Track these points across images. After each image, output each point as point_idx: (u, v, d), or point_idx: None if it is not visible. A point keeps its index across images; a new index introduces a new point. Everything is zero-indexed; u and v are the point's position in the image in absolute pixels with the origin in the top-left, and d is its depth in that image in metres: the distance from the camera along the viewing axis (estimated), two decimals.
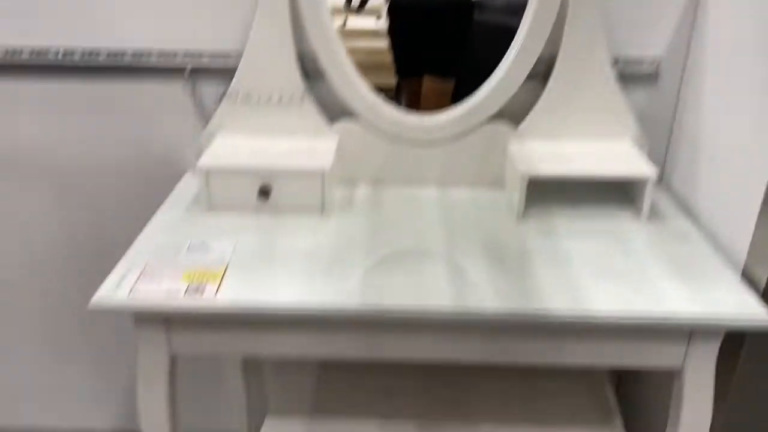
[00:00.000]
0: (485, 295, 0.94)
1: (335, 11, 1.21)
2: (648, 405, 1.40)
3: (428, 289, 0.96)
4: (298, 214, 1.15)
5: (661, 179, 1.31)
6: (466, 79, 1.26)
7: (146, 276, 0.98)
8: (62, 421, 1.72)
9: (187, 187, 1.28)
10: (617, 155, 1.19)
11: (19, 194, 1.42)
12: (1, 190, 1.41)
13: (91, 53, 1.27)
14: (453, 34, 1.29)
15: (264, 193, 1.15)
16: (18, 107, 1.34)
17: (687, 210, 1.19)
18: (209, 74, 1.28)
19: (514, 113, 1.23)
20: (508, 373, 1.34)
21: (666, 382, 1.31)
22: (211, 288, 0.95)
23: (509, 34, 1.17)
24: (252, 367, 1.59)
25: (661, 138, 1.31)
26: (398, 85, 1.27)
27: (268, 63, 1.20)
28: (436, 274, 0.99)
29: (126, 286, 0.96)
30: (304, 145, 1.21)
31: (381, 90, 1.21)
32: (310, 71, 1.22)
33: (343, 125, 1.23)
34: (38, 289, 1.52)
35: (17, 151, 1.37)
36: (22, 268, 1.50)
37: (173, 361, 0.99)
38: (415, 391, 1.30)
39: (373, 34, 1.29)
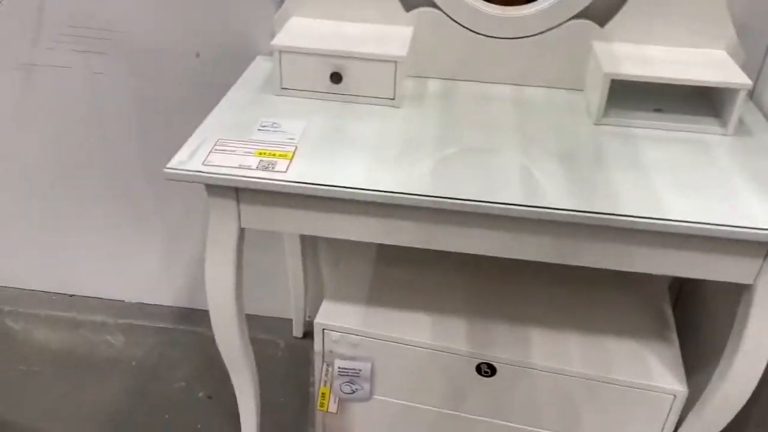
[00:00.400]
0: (556, 194, 0.92)
1: None
2: (705, 327, 1.38)
3: (498, 184, 0.94)
4: (370, 101, 1.14)
5: (752, 95, 1.23)
6: None
7: (219, 149, 1.00)
8: (122, 294, 1.81)
9: (259, 68, 1.27)
10: (708, 63, 1.12)
11: (95, 67, 1.43)
12: (80, 62, 1.43)
13: None
14: None
15: (336, 77, 1.14)
16: None
17: None
18: None
19: (601, 12, 1.16)
20: (563, 280, 1.33)
21: (724, 306, 1.29)
22: (281, 165, 0.96)
23: None
24: (310, 255, 1.63)
25: (757, 51, 1.22)
26: None
27: None
28: (506, 171, 0.97)
29: (199, 157, 0.98)
30: (380, 32, 1.18)
31: None
32: None
33: (420, 13, 1.19)
34: (110, 161, 1.57)
35: (97, 23, 1.38)
36: (95, 139, 1.54)
37: (241, 233, 1.02)
38: (468, 290, 1.31)
39: None
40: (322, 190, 0.93)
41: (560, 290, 1.31)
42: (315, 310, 1.29)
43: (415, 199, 0.92)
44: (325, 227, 1.00)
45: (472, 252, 1.00)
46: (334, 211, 0.97)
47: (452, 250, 0.99)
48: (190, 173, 0.95)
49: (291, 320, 1.72)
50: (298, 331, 1.73)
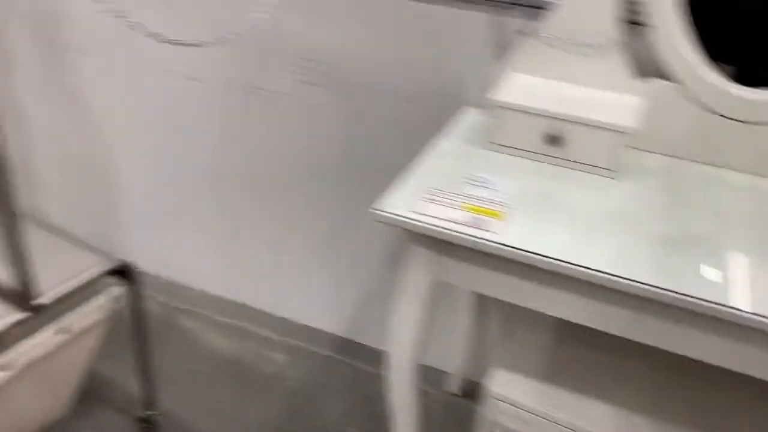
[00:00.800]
0: None
1: None
2: None
3: (721, 284, 0.84)
4: (586, 169, 1.08)
5: None
6: (748, 64, 1.07)
7: (427, 198, 0.99)
8: (290, 313, 1.86)
9: (468, 119, 1.26)
10: None
11: (312, 98, 1.50)
12: (301, 92, 1.51)
13: None
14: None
15: (553, 140, 1.09)
16: (317, 12, 1.40)
17: None
18: (514, 7, 1.23)
19: None
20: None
21: None
22: (490, 225, 0.93)
23: None
24: (481, 312, 1.58)
25: None
26: None
27: (586, 6, 1.11)
28: (733, 270, 0.87)
29: (408, 203, 0.97)
30: (606, 99, 1.12)
31: None
32: (629, 21, 1.12)
33: (653, 85, 1.12)
34: (306, 186, 1.63)
35: (323, 57, 1.45)
36: (297, 164, 1.61)
37: (435, 286, 1.00)
38: (659, 386, 1.19)
39: None
40: (532, 258, 0.88)
41: (760, 404, 1.15)
42: (476, 369, 1.23)
43: (633, 285, 0.85)
44: (526, 297, 0.95)
45: (683, 353, 0.90)
46: (538, 281, 0.92)
47: (661, 347, 0.90)
48: (399, 218, 0.95)
49: (447, 373, 1.68)
50: (454, 386, 1.67)
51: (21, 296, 1.08)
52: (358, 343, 1.79)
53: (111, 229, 1.97)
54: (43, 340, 1.15)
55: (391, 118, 1.44)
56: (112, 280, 1.27)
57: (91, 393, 1.52)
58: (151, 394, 1.45)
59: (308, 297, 1.81)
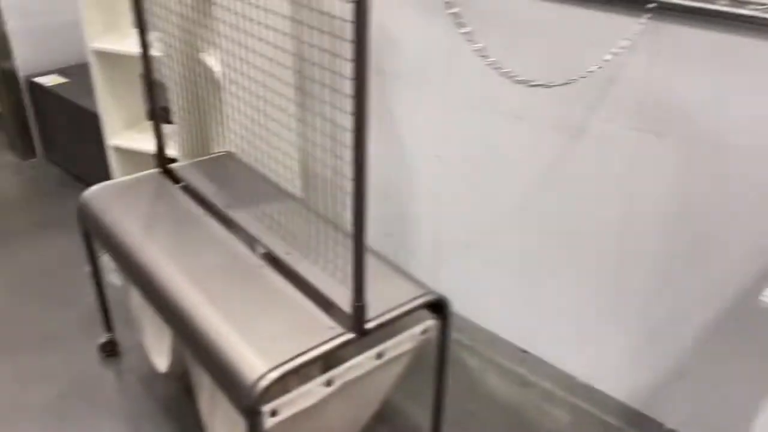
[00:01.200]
0: None
1: None
2: None
3: None
4: None
5: None
6: None
7: None
8: (576, 370, 1.74)
9: None
10: None
11: (644, 147, 1.39)
12: (630, 139, 1.41)
13: None
14: None
15: None
16: (671, 54, 1.29)
17: None
18: None
19: None
20: None
21: None
22: None
23: None
24: None
25: None
26: None
27: None
28: None
29: None
30: None
31: None
32: None
33: None
34: (627, 246, 1.52)
35: (654, 101, 1.33)
36: (619, 218, 1.51)
37: None
38: None
39: None
40: None
41: None
42: None
43: None
44: None
45: None
46: None
47: None
48: None
49: None
50: None
51: (355, 319, 1.13)
52: (651, 418, 1.62)
53: (404, 255, 2.04)
54: (363, 362, 1.20)
55: (744, 180, 1.27)
56: (425, 312, 1.29)
57: (381, 417, 1.56)
58: (438, 430, 1.44)
59: (601, 357, 1.68)
